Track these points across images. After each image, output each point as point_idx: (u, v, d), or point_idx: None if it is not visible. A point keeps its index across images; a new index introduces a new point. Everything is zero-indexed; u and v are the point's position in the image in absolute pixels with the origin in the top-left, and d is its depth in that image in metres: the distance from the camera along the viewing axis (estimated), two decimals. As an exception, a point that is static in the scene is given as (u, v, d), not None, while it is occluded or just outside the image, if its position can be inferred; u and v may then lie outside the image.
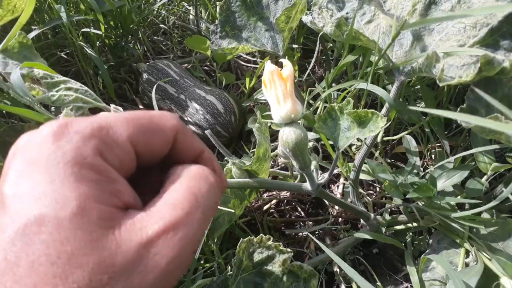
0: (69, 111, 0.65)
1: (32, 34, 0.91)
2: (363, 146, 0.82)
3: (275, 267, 0.61)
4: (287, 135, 0.69)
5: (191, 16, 1.38)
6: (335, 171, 1.03)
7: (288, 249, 0.61)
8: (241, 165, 0.75)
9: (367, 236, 0.80)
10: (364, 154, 0.82)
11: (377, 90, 0.72)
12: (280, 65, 0.66)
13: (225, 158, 0.79)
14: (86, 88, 0.69)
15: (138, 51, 1.34)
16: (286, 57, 1.02)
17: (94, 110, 0.70)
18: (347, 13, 0.83)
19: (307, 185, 0.76)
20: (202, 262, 0.75)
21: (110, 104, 0.69)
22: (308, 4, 0.93)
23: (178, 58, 1.41)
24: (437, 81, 0.61)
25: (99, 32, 1.11)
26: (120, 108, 0.70)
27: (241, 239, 0.62)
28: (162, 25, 1.45)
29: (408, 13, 0.75)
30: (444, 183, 0.73)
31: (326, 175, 0.76)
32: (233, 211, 0.69)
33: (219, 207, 0.66)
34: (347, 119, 0.69)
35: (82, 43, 1.13)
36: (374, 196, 0.99)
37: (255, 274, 0.60)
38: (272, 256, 0.61)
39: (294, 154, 0.70)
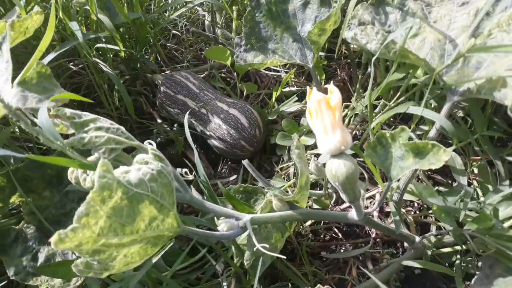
0: (101, 153, 0.60)
1: (48, 58, 0.84)
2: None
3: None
4: (337, 168, 0.63)
5: (206, 22, 1.31)
6: (373, 192, 0.97)
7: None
8: (283, 197, 0.70)
9: (416, 264, 0.76)
10: (410, 176, 0.77)
11: (434, 116, 0.66)
12: (324, 91, 0.61)
13: (265, 189, 0.75)
14: (117, 125, 0.63)
15: (153, 61, 1.27)
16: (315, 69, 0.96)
17: (127, 149, 0.64)
18: (389, 26, 0.77)
19: (353, 215, 0.71)
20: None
21: (145, 142, 0.64)
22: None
23: (193, 66, 1.35)
24: (508, 112, 0.56)
25: (116, 48, 1.05)
26: (154, 144, 0.64)
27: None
28: (175, 31, 1.38)
29: (463, 29, 0.69)
30: (504, 212, 0.68)
31: (374, 205, 0.71)
32: (275, 254, 0.64)
33: (262, 249, 0.61)
34: (400, 147, 0.64)
35: (95, 58, 1.07)
36: (413, 213, 0.94)
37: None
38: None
39: (344, 188, 0.65)
